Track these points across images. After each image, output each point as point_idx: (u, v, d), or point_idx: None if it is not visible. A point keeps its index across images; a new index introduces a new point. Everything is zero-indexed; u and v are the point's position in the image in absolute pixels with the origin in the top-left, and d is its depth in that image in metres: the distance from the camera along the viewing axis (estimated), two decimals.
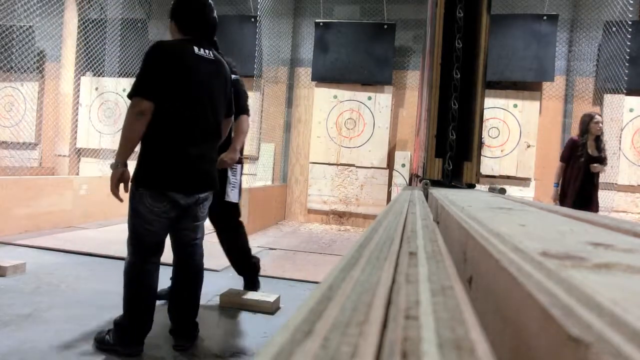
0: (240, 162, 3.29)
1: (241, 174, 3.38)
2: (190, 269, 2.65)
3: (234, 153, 3.03)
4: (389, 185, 7.25)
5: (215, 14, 2.58)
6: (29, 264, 3.79)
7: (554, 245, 0.47)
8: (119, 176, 2.27)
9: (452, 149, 1.51)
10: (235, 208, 3.40)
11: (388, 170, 7.28)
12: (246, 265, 3.49)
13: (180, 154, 2.32)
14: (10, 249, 4.41)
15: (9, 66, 8.23)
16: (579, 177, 4.90)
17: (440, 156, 1.47)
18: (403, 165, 7.17)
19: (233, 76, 2.95)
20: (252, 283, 3.48)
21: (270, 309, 3.12)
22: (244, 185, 6.79)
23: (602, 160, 4.89)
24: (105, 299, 3.14)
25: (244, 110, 3.19)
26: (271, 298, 3.18)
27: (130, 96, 2.25)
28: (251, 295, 3.21)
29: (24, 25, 8.20)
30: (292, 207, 7.70)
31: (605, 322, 0.24)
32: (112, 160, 2.32)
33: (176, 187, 2.33)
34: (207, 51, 2.46)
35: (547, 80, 6.69)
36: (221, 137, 2.62)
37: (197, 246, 2.72)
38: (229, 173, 3.21)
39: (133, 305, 2.37)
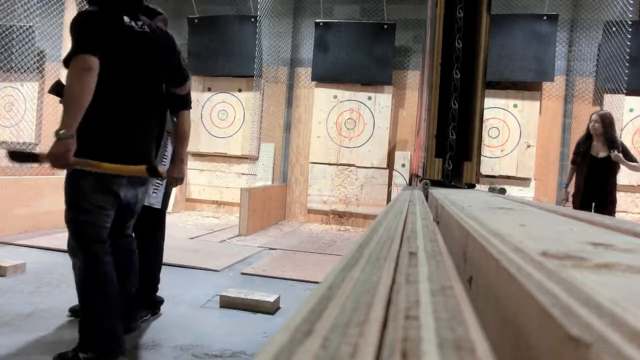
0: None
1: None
2: None
3: (182, 165, 2.76)
4: (389, 185, 7.25)
5: None
6: (29, 264, 3.79)
7: (554, 245, 0.47)
8: (70, 147, 2.00)
9: (452, 149, 1.50)
10: (157, 216, 2.91)
11: (388, 170, 7.28)
12: (145, 288, 2.87)
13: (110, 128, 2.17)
14: (10, 249, 4.41)
15: (9, 66, 8.23)
16: (583, 178, 4.85)
17: (440, 156, 1.47)
18: (403, 165, 7.17)
19: None
20: (138, 312, 2.74)
21: (270, 309, 3.12)
22: (243, 185, 6.80)
23: (609, 161, 4.76)
24: None
25: (185, 104, 2.77)
26: (271, 298, 3.18)
27: (70, 57, 2.01)
28: (251, 295, 3.21)
29: (24, 26, 8.20)
30: (292, 207, 7.70)
31: (605, 322, 0.24)
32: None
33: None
34: (138, 23, 2.27)
35: (547, 80, 6.70)
36: (158, 111, 2.45)
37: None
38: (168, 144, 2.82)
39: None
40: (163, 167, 2.73)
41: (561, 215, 0.80)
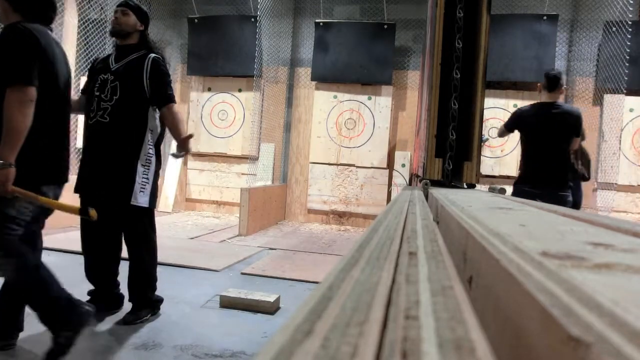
0: (158, 158, 2.89)
1: (156, 173, 2.89)
2: None
3: (185, 144, 2.80)
4: (389, 185, 7.25)
5: None
6: None
7: (554, 245, 0.47)
8: (10, 176, 2.07)
9: (452, 149, 1.50)
10: (147, 215, 2.85)
11: (388, 170, 7.28)
12: (142, 292, 2.87)
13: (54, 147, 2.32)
14: None
15: None
16: None
17: (440, 156, 1.47)
18: (403, 165, 7.17)
19: (155, 55, 2.85)
20: (134, 314, 2.82)
21: (270, 309, 3.12)
22: (243, 185, 6.79)
23: None
24: None
25: (164, 100, 2.83)
26: (271, 298, 3.18)
27: (11, 83, 2.05)
28: (251, 295, 3.21)
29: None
30: (292, 207, 7.70)
31: (605, 322, 0.24)
32: None
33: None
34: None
35: None
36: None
37: None
38: (138, 170, 2.74)
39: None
40: (142, 192, 2.74)
41: (561, 215, 0.80)
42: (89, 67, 3.05)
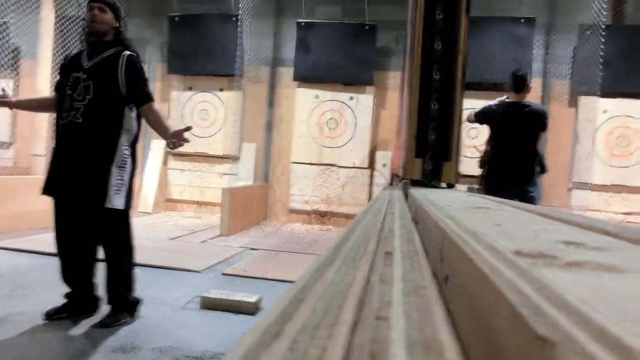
0: (134, 159, 2.83)
1: (132, 174, 2.81)
2: None
3: (177, 135, 2.72)
4: (371, 185, 7.27)
5: None
6: (4, 267, 3.72)
7: (528, 244, 0.48)
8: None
9: (432, 149, 1.52)
10: (122, 218, 2.80)
11: (369, 170, 7.31)
12: (120, 294, 2.83)
13: None
14: None
15: None
16: None
17: (420, 156, 1.48)
18: (384, 165, 7.20)
19: (127, 53, 2.80)
20: (115, 315, 2.78)
21: (251, 309, 3.11)
22: (225, 185, 6.75)
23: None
24: None
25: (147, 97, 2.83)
26: (253, 299, 3.16)
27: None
28: (232, 296, 3.19)
29: None
30: (274, 207, 7.67)
31: (572, 321, 0.24)
32: None
33: None
34: None
35: None
36: None
37: None
38: (113, 172, 2.68)
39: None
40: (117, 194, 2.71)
41: (537, 215, 0.81)
42: (60, 64, 2.99)
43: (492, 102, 4.33)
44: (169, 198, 7.83)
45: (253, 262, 4.57)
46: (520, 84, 3.89)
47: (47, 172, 2.77)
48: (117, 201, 2.69)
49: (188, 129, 2.77)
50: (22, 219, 5.14)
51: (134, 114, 2.80)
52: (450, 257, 0.54)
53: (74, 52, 2.99)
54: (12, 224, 5.06)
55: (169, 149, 2.91)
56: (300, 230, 6.89)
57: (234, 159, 7.42)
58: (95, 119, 2.67)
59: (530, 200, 3.68)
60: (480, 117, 4.07)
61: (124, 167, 2.74)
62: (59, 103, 2.77)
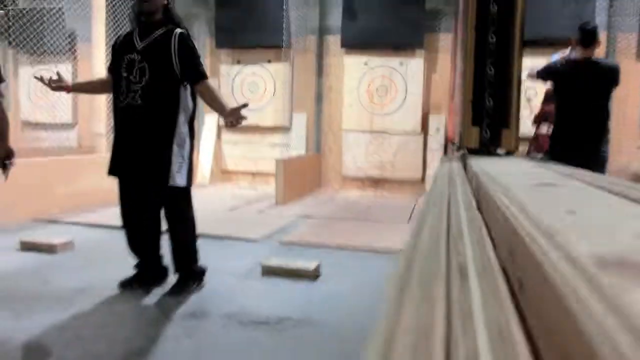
0: (192, 135, 2.91)
1: (191, 151, 2.90)
2: None
3: (233, 113, 2.77)
4: (424, 150, 7.17)
5: None
6: (78, 241, 3.96)
7: (608, 246, 0.44)
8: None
9: (490, 116, 1.48)
10: (184, 194, 2.91)
11: (422, 135, 7.19)
12: (185, 264, 2.99)
13: None
14: (57, 227, 4.62)
15: (42, 49, 8.42)
16: None
17: (477, 124, 1.46)
18: (438, 130, 7.06)
19: (181, 30, 2.80)
20: (183, 283, 2.96)
21: (311, 275, 3.20)
22: (277, 156, 6.86)
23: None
24: None
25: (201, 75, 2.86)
26: (312, 265, 3.25)
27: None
28: (292, 263, 3.29)
29: (54, 7, 8.32)
30: (327, 175, 7.73)
31: None
32: None
33: None
34: None
35: None
36: None
37: None
38: (174, 150, 2.77)
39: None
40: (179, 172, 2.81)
41: (611, 194, 0.74)
42: (112, 45, 3.01)
43: (553, 57, 4.06)
44: (225, 170, 8.04)
45: (309, 230, 4.67)
46: (590, 38, 3.60)
47: (111, 154, 2.89)
48: (179, 179, 2.79)
49: (244, 106, 2.79)
50: (90, 197, 5.42)
51: (189, 92, 2.84)
52: (522, 262, 0.51)
53: (124, 33, 3.01)
54: (81, 201, 5.36)
55: (226, 127, 2.93)
56: (354, 197, 6.93)
57: (285, 129, 7.49)
58: (154, 100, 2.72)
59: (603, 160, 3.55)
60: (545, 74, 3.81)
61: (183, 145, 2.81)
62: (115, 85, 2.83)
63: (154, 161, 2.74)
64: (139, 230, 2.94)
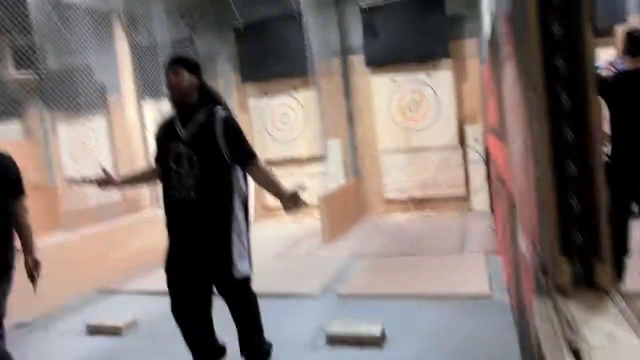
0: (247, 217, 2.77)
1: (248, 233, 2.78)
2: None
3: (291, 198, 2.67)
4: (465, 163, 6.98)
5: None
6: (140, 316, 3.97)
7: None
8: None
9: (578, 235, 1.28)
10: (245, 281, 2.77)
11: (461, 147, 7.00)
12: (253, 346, 2.90)
13: None
14: (117, 299, 4.67)
15: (77, 106, 8.63)
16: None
17: (568, 254, 1.25)
18: (476, 140, 6.87)
19: (222, 111, 2.69)
20: None
21: (378, 342, 3.10)
22: (316, 185, 6.79)
23: None
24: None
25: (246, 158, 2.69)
26: (377, 330, 3.14)
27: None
28: (357, 329, 3.20)
29: (82, 64, 8.51)
30: (369, 199, 7.62)
31: None
32: None
33: None
34: None
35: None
36: None
37: None
38: (234, 240, 2.65)
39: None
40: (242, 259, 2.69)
41: None
42: (154, 134, 2.87)
43: (600, 66, 3.57)
44: (266, 205, 8.04)
45: (365, 276, 4.57)
46: (637, 46, 3.12)
47: (167, 251, 2.78)
48: (242, 267, 2.68)
49: (302, 188, 2.66)
50: (144, 256, 5.47)
51: (241, 174, 2.72)
52: None
53: (164, 119, 2.87)
54: (136, 263, 5.42)
55: (285, 212, 2.74)
56: (401, 222, 6.82)
57: (321, 157, 7.44)
58: (208, 191, 2.61)
59: None
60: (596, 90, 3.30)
61: (241, 232, 2.70)
62: (164, 178, 2.74)
63: (215, 254, 2.63)
64: (195, 326, 2.83)
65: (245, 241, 2.73)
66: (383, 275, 4.54)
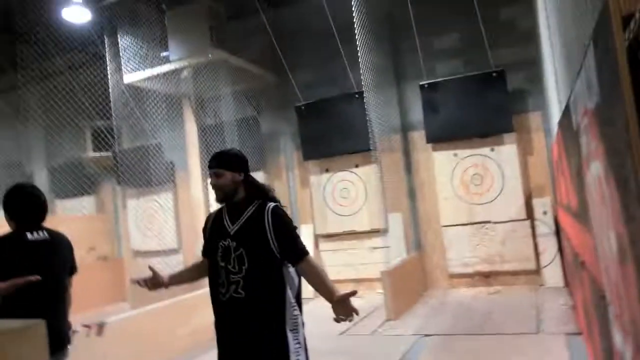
0: (300, 309, 2.53)
1: (303, 326, 2.54)
2: None
3: (341, 303, 2.38)
4: (534, 236, 6.71)
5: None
6: None
7: None
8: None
9: None
10: None
11: (529, 221, 6.77)
12: None
13: None
14: None
15: (147, 182, 9.10)
16: None
17: None
18: (545, 213, 6.63)
19: (272, 205, 2.49)
20: None
21: None
22: (378, 259, 6.68)
23: None
24: None
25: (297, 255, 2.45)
26: None
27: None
28: None
29: (153, 143, 9.05)
30: (433, 274, 7.40)
31: None
32: None
33: None
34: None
35: None
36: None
37: None
38: (289, 338, 2.41)
39: None
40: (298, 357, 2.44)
41: None
42: (203, 227, 2.68)
43: None
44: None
45: (431, 357, 4.35)
46: None
47: (218, 353, 2.52)
48: None
49: (354, 293, 2.40)
50: (208, 333, 5.46)
51: (291, 268, 2.50)
52: None
53: (214, 213, 2.69)
54: (200, 340, 5.40)
55: (335, 321, 2.44)
56: (467, 298, 6.52)
57: (383, 231, 7.37)
58: (258, 289, 2.41)
59: None
60: None
61: (297, 328, 2.47)
62: (212, 275, 2.54)
63: (271, 354, 2.41)
64: None
65: (301, 338, 2.49)
66: (453, 358, 4.29)
